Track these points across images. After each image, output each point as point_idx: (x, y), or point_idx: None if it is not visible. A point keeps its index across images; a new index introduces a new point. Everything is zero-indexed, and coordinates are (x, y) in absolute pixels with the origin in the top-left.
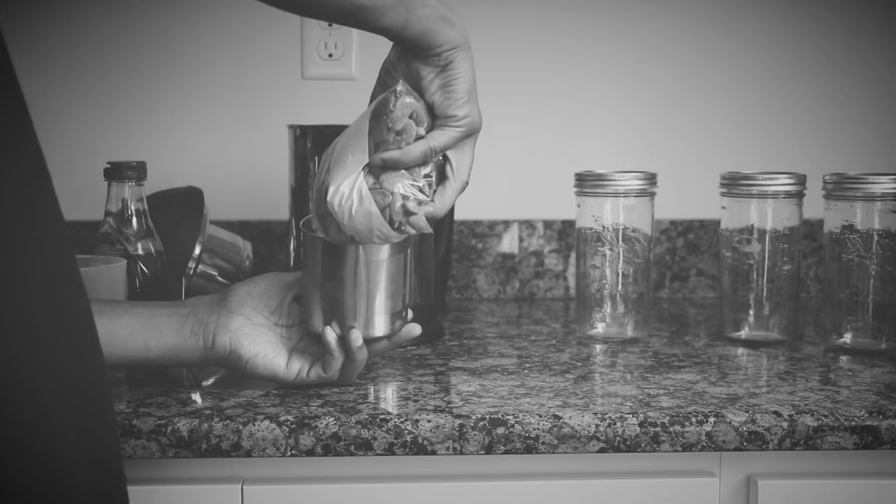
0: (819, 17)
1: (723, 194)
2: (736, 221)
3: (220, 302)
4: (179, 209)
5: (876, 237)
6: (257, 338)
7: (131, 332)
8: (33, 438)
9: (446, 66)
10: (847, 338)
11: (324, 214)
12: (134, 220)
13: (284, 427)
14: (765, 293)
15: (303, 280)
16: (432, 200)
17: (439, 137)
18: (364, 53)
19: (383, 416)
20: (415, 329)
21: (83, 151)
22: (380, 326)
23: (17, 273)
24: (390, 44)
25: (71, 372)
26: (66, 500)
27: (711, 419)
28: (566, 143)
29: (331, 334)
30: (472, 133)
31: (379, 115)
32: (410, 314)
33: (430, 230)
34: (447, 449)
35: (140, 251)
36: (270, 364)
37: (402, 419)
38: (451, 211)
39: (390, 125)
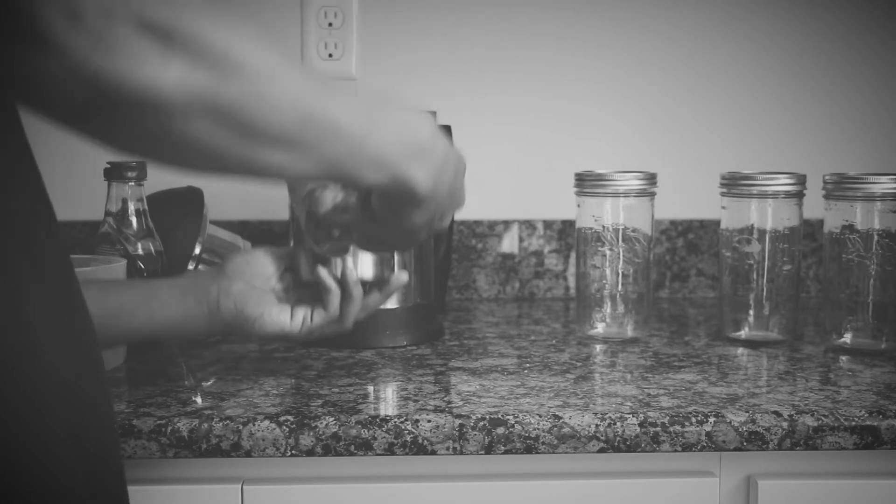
0: (819, 17)
1: (723, 194)
2: (736, 221)
3: (220, 271)
4: (179, 209)
5: (876, 237)
6: (260, 298)
7: (136, 304)
8: (33, 439)
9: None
10: (847, 338)
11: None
12: (134, 220)
13: (284, 427)
14: (765, 293)
15: (296, 235)
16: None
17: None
18: (364, 53)
19: (383, 416)
20: (402, 276)
21: (83, 151)
22: (368, 268)
23: (10, 273)
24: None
25: (70, 372)
26: (65, 500)
27: (711, 419)
28: (566, 143)
29: (323, 269)
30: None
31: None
32: (398, 270)
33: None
34: (447, 449)
35: (140, 251)
36: (277, 320)
37: (402, 419)
38: None
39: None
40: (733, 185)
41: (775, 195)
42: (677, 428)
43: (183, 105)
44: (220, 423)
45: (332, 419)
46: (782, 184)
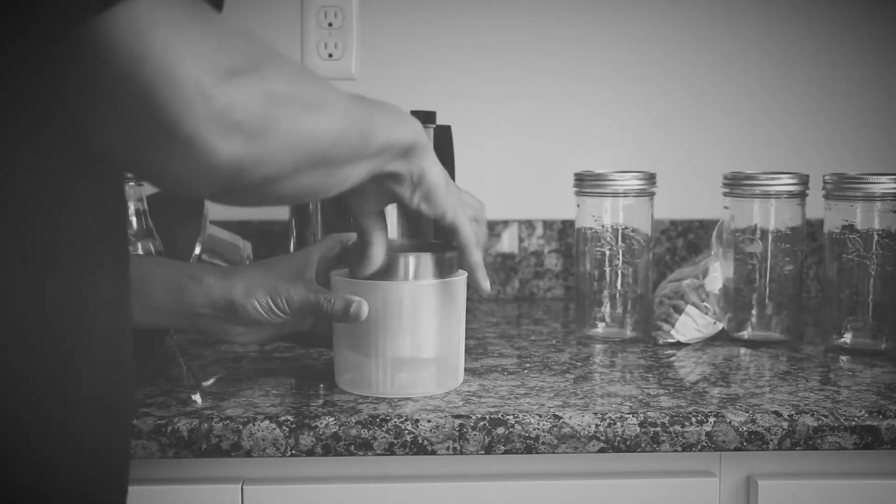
0: (818, 17)
1: (725, 194)
2: (738, 221)
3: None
4: (179, 209)
5: (876, 237)
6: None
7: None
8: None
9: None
10: (847, 338)
11: None
12: (134, 220)
13: (284, 427)
14: (767, 293)
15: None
16: None
17: None
18: (364, 53)
19: (383, 416)
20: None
21: None
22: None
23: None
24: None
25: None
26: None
27: (711, 419)
28: (566, 143)
29: None
30: None
31: None
32: None
33: None
34: (447, 449)
35: (140, 251)
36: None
37: (402, 419)
38: None
39: None
40: (736, 184)
41: (778, 195)
42: (677, 428)
43: (292, 168)
44: (220, 423)
45: (332, 419)
46: (785, 184)
